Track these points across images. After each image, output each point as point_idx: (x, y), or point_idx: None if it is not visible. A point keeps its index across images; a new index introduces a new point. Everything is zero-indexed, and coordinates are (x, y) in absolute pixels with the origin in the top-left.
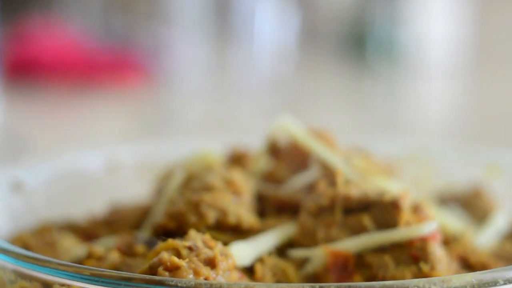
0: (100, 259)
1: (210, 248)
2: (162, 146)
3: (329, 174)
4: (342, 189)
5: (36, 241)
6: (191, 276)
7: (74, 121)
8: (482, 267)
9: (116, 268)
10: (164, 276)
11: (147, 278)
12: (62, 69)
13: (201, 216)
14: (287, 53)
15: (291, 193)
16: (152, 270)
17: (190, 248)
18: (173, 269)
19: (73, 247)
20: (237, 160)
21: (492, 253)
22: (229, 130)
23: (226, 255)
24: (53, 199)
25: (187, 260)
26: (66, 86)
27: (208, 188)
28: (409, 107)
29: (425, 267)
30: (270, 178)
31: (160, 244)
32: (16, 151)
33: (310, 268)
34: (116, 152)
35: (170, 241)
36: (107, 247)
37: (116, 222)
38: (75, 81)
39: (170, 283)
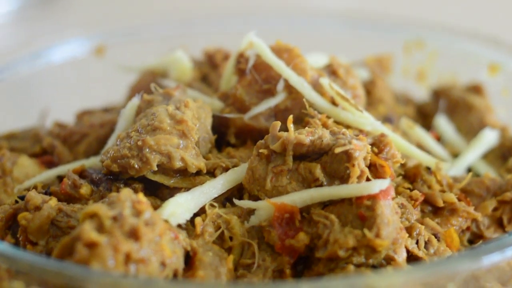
0: (36, 209)
1: (138, 213)
2: None
3: (297, 100)
4: (294, 134)
5: None
6: (110, 253)
7: None
8: (451, 210)
9: (51, 221)
10: (82, 253)
11: None
12: None
13: (144, 161)
14: None
15: (255, 119)
16: (74, 242)
17: (114, 218)
18: (92, 246)
19: (24, 178)
20: (214, 64)
21: (469, 185)
22: None
23: (152, 224)
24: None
25: (106, 236)
26: None
27: (154, 129)
28: None
29: (369, 234)
30: (235, 101)
31: (85, 209)
32: None
33: (255, 220)
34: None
35: (95, 207)
36: (54, 178)
37: (80, 138)
38: None
39: None
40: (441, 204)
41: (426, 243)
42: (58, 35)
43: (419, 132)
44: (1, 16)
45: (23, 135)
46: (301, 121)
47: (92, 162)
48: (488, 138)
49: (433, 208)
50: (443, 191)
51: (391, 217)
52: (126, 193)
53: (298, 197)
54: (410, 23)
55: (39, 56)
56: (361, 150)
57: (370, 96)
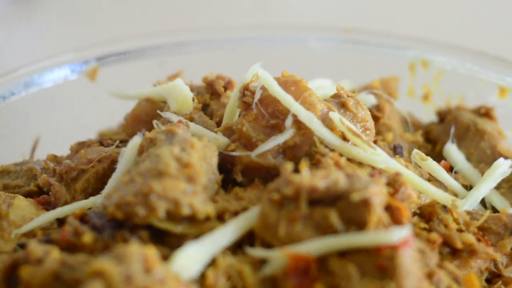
0: (38, 262)
1: (148, 270)
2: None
3: (307, 135)
4: (308, 179)
5: None
6: None
7: None
8: (470, 251)
9: (54, 275)
10: None
11: None
12: None
13: (150, 208)
14: None
15: (262, 156)
16: None
17: (123, 278)
18: None
19: (21, 221)
20: (214, 92)
21: (486, 222)
22: None
23: (163, 282)
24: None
25: None
26: None
27: (159, 174)
28: None
29: (390, 286)
30: (241, 137)
31: (91, 266)
32: None
33: (268, 270)
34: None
35: (102, 265)
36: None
37: (77, 175)
38: None
39: None
40: (459, 246)
41: None
42: (46, 59)
43: (432, 165)
44: None
45: (16, 170)
46: (311, 158)
47: (91, 202)
48: (503, 169)
49: (451, 250)
50: (460, 230)
51: (412, 267)
52: (135, 248)
53: (313, 247)
54: (413, 41)
55: (25, 83)
56: (378, 196)
57: (378, 124)
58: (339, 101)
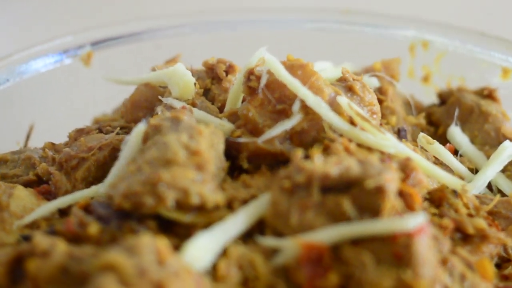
0: (44, 255)
1: (162, 261)
2: None
3: (314, 121)
4: (321, 166)
5: None
6: None
7: None
8: (481, 236)
9: (62, 268)
10: None
11: None
12: None
13: (159, 198)
14: None
15: (269, 142)
16: None
17: (137, 272)
18: None
19: (22, 212)
20: (215, 76)
21: (495, 206)
22: None
23: (177, 274)
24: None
25: None
26: None
27: (168, 162)
28: None
29: (407, 274)
30: (246, 122)
31: (101, 258)
32: None
33: (280, 260)
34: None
35: (113, 258)
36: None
37: (78, 163)
38: None
39: None
40: (471, 231)
41: (460, 276)
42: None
43: (439, 149)
44: None
45: (13, 159)
46: (319, 143)
47: (93, 191)
48: (509, 152)
49: (462, 235)
50: (470, 215)
51: (427, 254)
52: (147, 240)
53: (326, 235)
54: (412, 22)
55: (19, 68)
56: (392, 183)
57: (382, 107)
58: (346, 85)
